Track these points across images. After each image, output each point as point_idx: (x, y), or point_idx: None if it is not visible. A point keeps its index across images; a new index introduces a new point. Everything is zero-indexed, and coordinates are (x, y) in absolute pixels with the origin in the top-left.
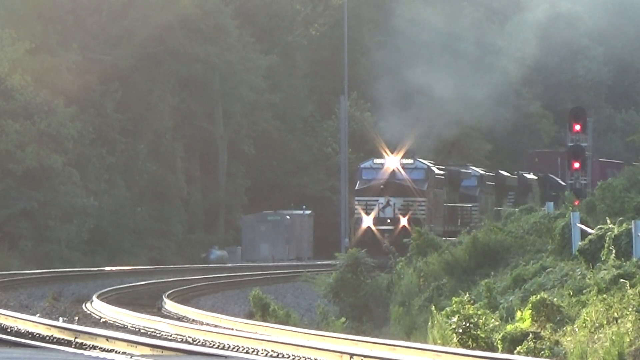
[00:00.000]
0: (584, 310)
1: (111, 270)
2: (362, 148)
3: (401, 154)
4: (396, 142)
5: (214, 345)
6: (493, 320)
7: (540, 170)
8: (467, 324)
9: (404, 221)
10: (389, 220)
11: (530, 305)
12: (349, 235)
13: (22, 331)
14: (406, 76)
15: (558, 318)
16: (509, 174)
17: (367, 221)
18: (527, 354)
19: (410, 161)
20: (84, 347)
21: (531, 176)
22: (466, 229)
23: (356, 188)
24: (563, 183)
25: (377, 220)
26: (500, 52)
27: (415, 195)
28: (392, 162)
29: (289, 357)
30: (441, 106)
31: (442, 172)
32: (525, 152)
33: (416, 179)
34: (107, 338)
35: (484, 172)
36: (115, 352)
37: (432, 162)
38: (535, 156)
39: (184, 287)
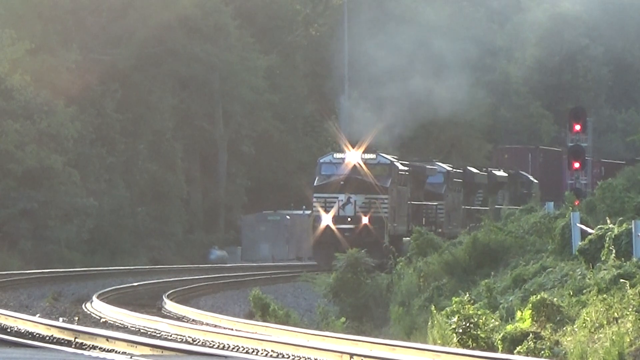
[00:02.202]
0: (584, 310)
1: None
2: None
3: (363, 148)
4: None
5: (214, 345)
6: (493, 320)
7: (510, 166)
8: (467, 324)
9: (365, 220)
10: (349, 219)
11: (530, 305)
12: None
13: (22, 331)
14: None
15: (558, 318)
16: (478, 171)
17: (327, 219)
18: (527, 354)
19: (372, 156)
20: (84, 347)
21: (501, 173)
22: (466, 229)
23: (315, 184)
24: (535, 180)
25: (337, 219)
26: (500, 52)
27: (378, 193)
28: (353, 156)
29: (289, 357)
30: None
31: (406, 168)
32: (494, 147)
33: (379, 174)
34: (107, 338)
35: (450, 169)
36: (115, 352)
37: (395, 157)
38: (504, 152)
39: (184, 287)
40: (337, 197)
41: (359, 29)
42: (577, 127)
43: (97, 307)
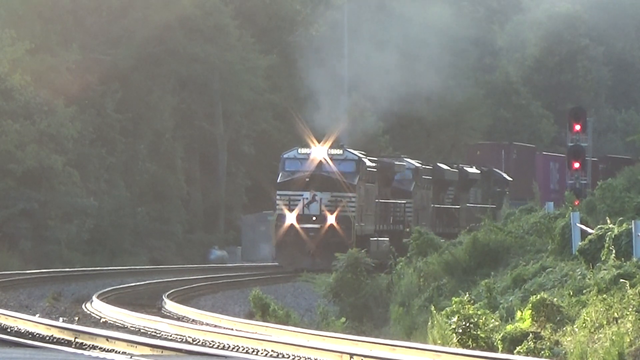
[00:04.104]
0: (584, 310)
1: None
2: (363, 147)
3: (329, 143)
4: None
5: (214, 345)
6: (493, 320)
7: (482, 163)
8: (467, 324)
9: (331, 219)
10: (314, 218)
11: (530, 305)
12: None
13: (22, 331)
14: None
15: (558, 318)
16: (448, 167)
17: (290, 218)
18: (527, 354)
19: (339, 151)
20: (84, 347)
21: (473, 170)
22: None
23: (278, 181)
24: (508, 178)
25: (302, 218)
26: (500, 52)
27: (345, 190)
28: (318, 152)
29: (289, 357)
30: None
31: (373, 164)
32: (466, 144)
33: (346, 171)
34: (107, 338)
35: (419, 165)
36: (115, 352)
37: (363, 152)
38: (477, 149)
39: (184, 287)
40: (302, 195)
41: (359, 28)
42: (577, 127)
43: (97, 307)
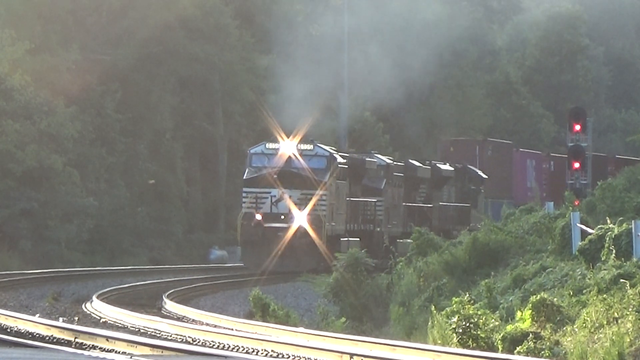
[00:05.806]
0: (584, 310)
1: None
2: (363, 147)
3: (299, 137)
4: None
5: (214, 345)
6: (493, 320)
7: (456, 160)
8: (467, 324)
9: (300, 218)
10: (282, 217)
11: (530, 305)
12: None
13: (22, 331)
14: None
15: (558, 318)
16: (420, 164)
17: (257, 217)
18: (527, 354)
19: (309, 147)
20: (84, 347)
21: (447, 167)
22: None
23: (245, 177)
24: (484, 175)
25: (269, 216)
26: (500, 52)
27: (315, 188)
28: (287, 147)
29: (289, 357)
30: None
31: (344, 161)
32: (439, 140)
33: (316, 168)
34: (107, 338)
35: (391, 162)
36: (115, 352)
37: (334, 148)
38: (450, 145)
39: (184, 287)
40: (270, 193)
41: (358, 28)
42: (577, 127)
43: (97, 307)
